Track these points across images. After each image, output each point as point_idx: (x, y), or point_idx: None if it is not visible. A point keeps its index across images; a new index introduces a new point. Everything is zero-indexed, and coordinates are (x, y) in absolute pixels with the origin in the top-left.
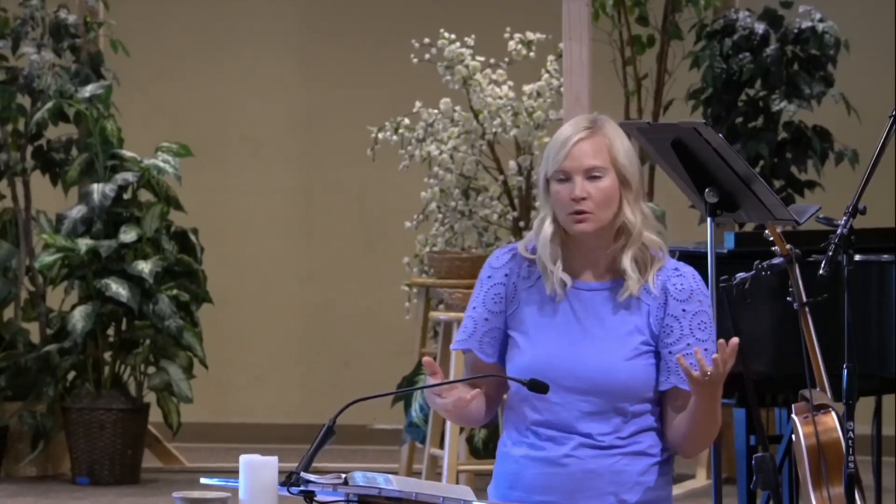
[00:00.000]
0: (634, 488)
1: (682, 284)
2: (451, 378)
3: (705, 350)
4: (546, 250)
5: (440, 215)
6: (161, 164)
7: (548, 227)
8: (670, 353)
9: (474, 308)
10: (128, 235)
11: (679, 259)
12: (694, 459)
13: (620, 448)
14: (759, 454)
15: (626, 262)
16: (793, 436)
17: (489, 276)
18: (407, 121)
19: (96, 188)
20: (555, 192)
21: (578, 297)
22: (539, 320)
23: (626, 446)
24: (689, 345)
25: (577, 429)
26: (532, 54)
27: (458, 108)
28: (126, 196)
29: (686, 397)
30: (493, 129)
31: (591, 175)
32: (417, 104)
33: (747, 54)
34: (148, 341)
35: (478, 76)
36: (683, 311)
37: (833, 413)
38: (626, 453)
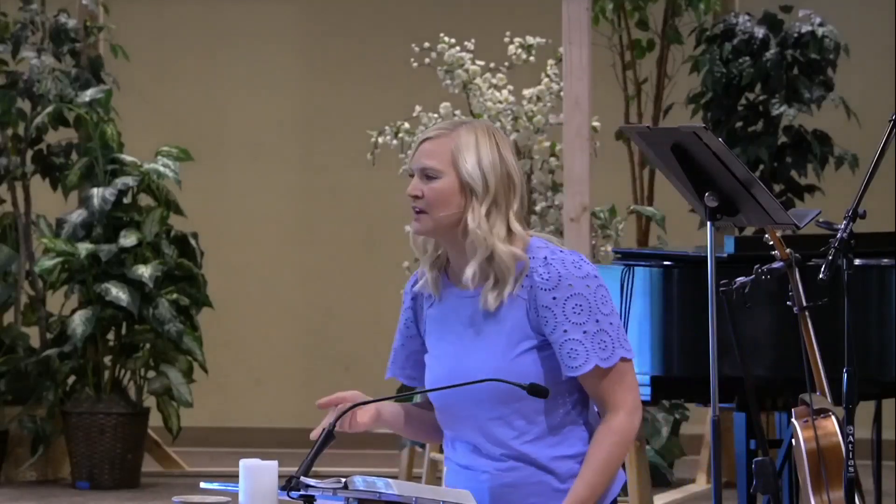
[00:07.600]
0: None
1: (547, 274)
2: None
3: (584, 332)
4: (417, 246)
5: None
6: (161, 169)
7: None
8: (556, 343)
9: (396, 337)
10: (128, 240)
11: (678, 263)
12: (694, 463)
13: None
14: (759, 458)
15: (469, 271)
16: (793, 440)
17: (404, 303)
18: (407, 125)
19: (96, 192)
20: None
21: (463, 303)
22: (437, 333)
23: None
24: (565, 331)
25: (485, 439)
26: (532, 58)
27: (458, 112)
28: (126, 200)
29: (591, 378)
30: None
31: (425, 174)
32: (417, 108)
33: (747, 58)
34: (148, 345)
35: (478, 80)
36: (554, 298)
37: (833, 417)
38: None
